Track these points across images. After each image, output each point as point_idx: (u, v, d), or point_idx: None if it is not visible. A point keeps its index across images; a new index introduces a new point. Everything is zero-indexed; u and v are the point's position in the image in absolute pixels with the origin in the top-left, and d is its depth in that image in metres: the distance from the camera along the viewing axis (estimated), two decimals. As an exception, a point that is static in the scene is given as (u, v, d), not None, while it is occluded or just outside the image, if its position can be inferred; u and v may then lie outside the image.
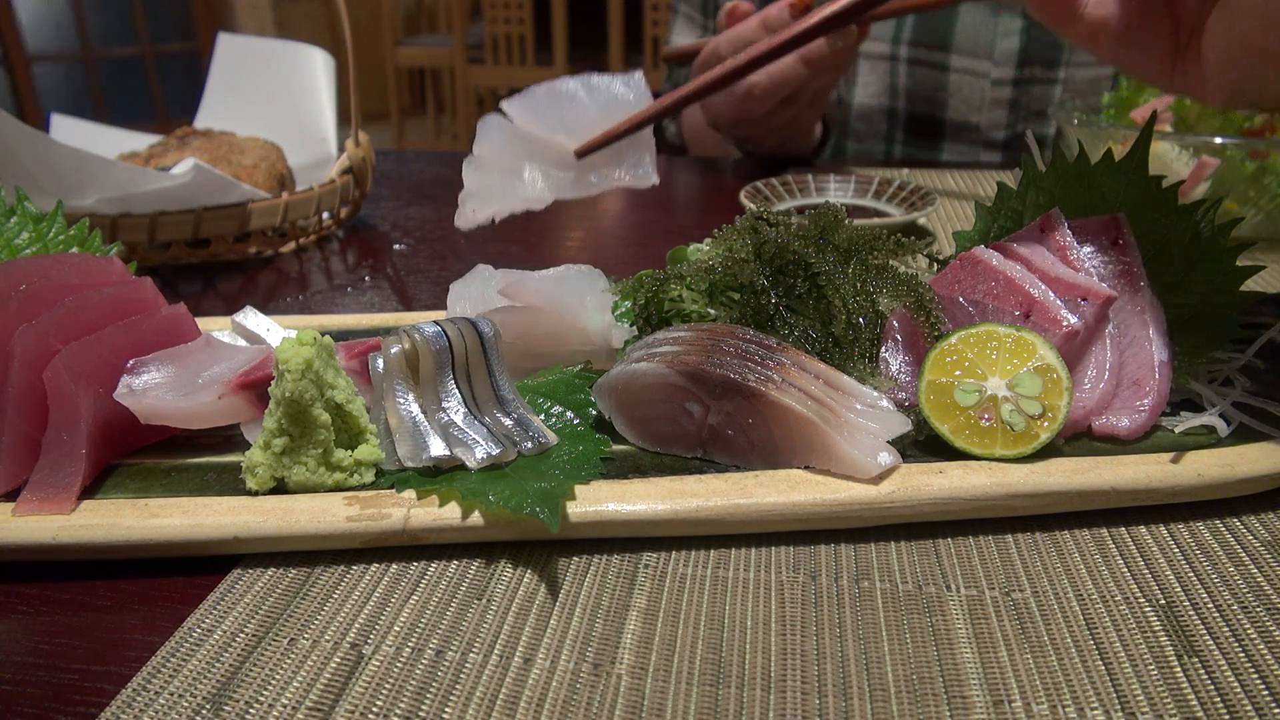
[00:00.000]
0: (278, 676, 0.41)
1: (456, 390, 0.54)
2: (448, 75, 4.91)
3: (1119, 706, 0.39)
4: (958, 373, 0.53)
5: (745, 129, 1.23)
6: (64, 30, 4.49)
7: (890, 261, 0.63)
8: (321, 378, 0.50)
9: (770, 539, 0.49)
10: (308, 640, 0.43)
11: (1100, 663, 0.41)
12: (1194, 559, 0.47)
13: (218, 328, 0.66)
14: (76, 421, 0.50)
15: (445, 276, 0.92)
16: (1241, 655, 0.41)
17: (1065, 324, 0.53)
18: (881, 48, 1.37)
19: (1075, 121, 0.98)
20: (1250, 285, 0.77)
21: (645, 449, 0.55)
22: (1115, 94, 1.04)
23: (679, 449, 0.54)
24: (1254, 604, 0.44)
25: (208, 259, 0.94)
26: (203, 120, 1.19)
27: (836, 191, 1.08)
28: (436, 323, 0.55)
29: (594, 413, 0.57)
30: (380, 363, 0.54)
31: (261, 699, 0.40)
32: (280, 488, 0.51)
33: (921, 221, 1.01)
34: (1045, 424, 0.50)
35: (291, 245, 1.00)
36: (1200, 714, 0.38)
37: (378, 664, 0.41)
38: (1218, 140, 0.86)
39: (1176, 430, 0.54)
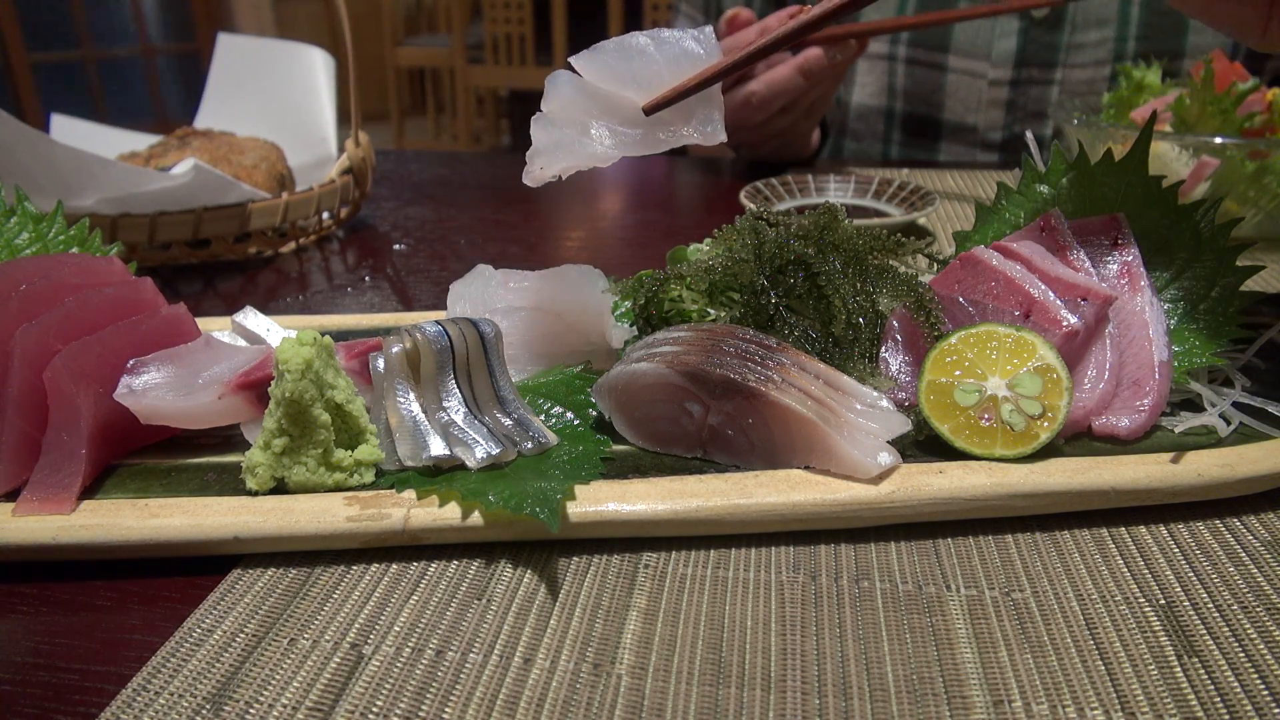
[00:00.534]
0: (278, 676, 0.41)
1: (457, 390, 0.54)
2: (448, 75, 4.90)
3: (1119, 706, 0.39)
4: (958, 373, 0.53)
5: (742, 135, 1.23)
6: (64, 30, 4.49)
7: (890, 261, 0.63)
8: (321, 378, 0.50)
9: (770, 539, 0.49)
10: (308, 640, 0.43)
11: (1100, 663, 0.41)
12: (1194, 559, 0.47)
13: (218, 328, 0.66)
14: (76, 421, 0.50)
15: (445, 276, 0.92)
16: (1241, 655, 0.41)
17: (1065, 324, 0.53)
18: (879, 47, 1.37)
19: (1075, 121, 0.98)
20: (1250, 285, 0.77)
21: (645, 449, 0.55)
22: (1115, 94, 1.04)
23: (679, 449, 0.54)
24: (1254, 604, 0.44)
25: (208, 259, 0.94)
26: (203, 120, 1.19)
27: (836, 191, 1.08)
28: (438, 322, 0.55)
29: (594, 413, 0.57)
30: (381, 362, 0.54)
31: (261, 699, 0.40)
32: (280, 488, 0.51)
33: (921, 221, 1.01)
34: (1045, 424, 0.50)
35: (291, 245, 1.00)
36: (1200, 714, 0.38)
37: (378, 664, 0.41)
38: (1218, 140, 0.86)
39: (1176, 430, 0.54)
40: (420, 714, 0.39)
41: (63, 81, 4.52)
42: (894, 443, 0.51)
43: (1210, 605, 0.44)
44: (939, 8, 1.29)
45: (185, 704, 0.39)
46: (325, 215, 1.02)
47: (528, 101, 4.78)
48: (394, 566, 0.48)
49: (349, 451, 0.51)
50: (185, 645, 0.43)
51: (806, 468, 0.51)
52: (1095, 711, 0.38)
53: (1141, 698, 0.39)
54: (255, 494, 0.50)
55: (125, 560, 0.48)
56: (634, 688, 0.40)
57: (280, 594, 0.46)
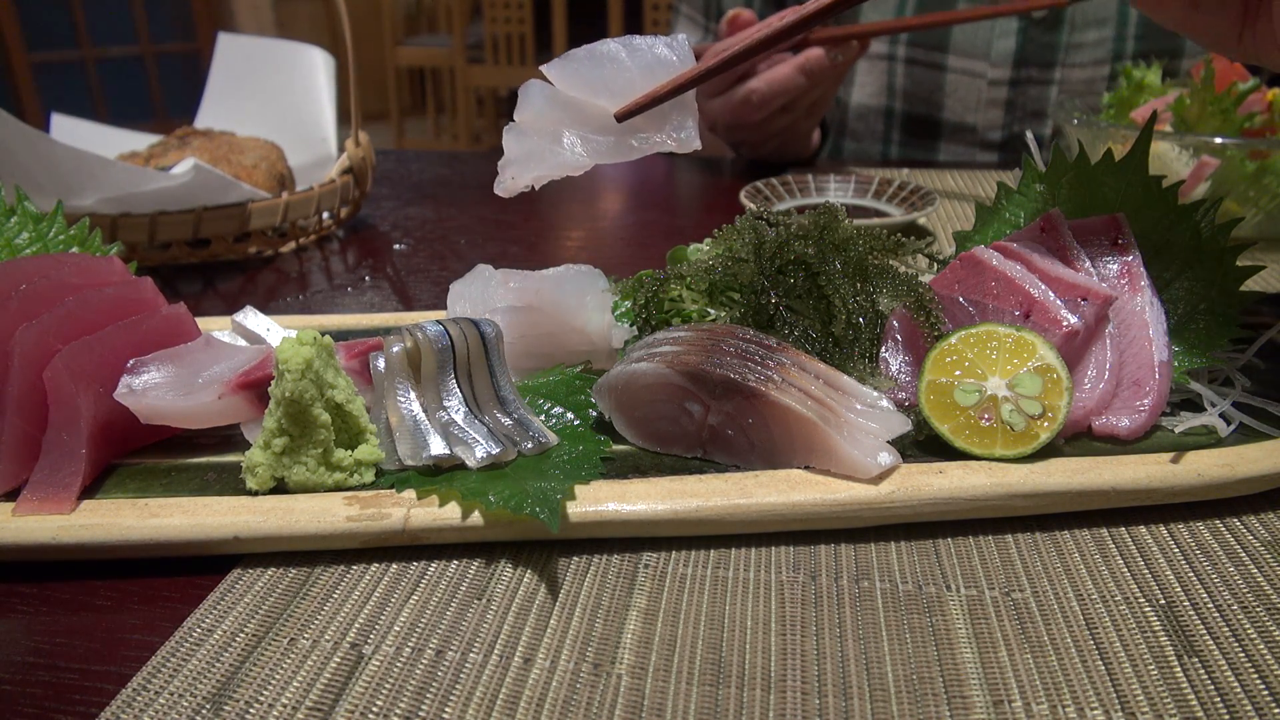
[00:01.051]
0: (278, 676, 0.41)
1: (458, 389, 0.54)
2: (448, 75, 4.90)
3: (1119, 706, 0.39)
4: (958, 373, 0.53)
5: (742, 134, 1.23)
6: (64, 30, 4.49)
7: (890, 261, 0.63)
8: (321, 378, 0.50)
9: (770, 539, 0.49)
10: (308, 640, 0.43)
11: (1100, 663, 0.41)
12: (1194, 559, 0.47)
13: (218, 328, 0.66)
14: (76, 421, 0.50)
15: (445, 276, 0.92)
16: (1241, 655, 0.41)
17: (1065, 324, 0.53)
18: (879, 48, 1.37)
19: (1075, 121, 0.98)
20: (1250, 285, 0.77)
21: (645, 449, 0.55)
22: (1115, 94, 1.04)
23: (679, 449, 0.54)
24: (1254, 604, 0.44)
25: (208, 259, 0.94)
26: (203, 120, 1.19)
27: (836, 191, 1.08)
28: (439, 322, 0.55)
29: (594, 413, 0.57)
30: (382, 361, 0.54)
31: (261, 699, 0.40)
32: (280, 488, 0.51)
33: (921, 221, 1.01)
34: (1045, 424, 0.50)
35: (291, 245, 1.00)
36: (1200, 714, 0.38)
37: (378, 664, 0.41)
38: (1218, 140, 0.86)
39: (1176, 430, 0.54)
40: (420, 714, 0.39)
41: (63, 81, 4.52)
42: (894, 443, 0.51)
43: (1210, 605, 0.44)
44: (939, 8, 1.29)
45: (185, 704, 0.39)
46: (325, 215, 1.02)
47: (528, 101, 4.77)
48: (394, 566, 0.48)
49: (349, 451, 0.51)
50: (185, 645, 0.43)
51: (806, 468, 0.51)
52: (1095, 711, 0.38)
53: (1141, 698, 0.39)
54: (255, 494, 0.50)
55: (125, 560, 0.48)
56: (634, 688, 0.40)
57: (280, 594, 0.46)
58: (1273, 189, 0.88)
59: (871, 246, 0.62)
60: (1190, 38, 0.53)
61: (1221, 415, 0.54)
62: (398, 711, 0.39)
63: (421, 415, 0.53)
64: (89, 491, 0.51)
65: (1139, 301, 0.56)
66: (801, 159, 1.32)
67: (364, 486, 0.51)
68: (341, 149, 1.04)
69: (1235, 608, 0.44)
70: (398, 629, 0.44)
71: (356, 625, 0.44)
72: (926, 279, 0.60)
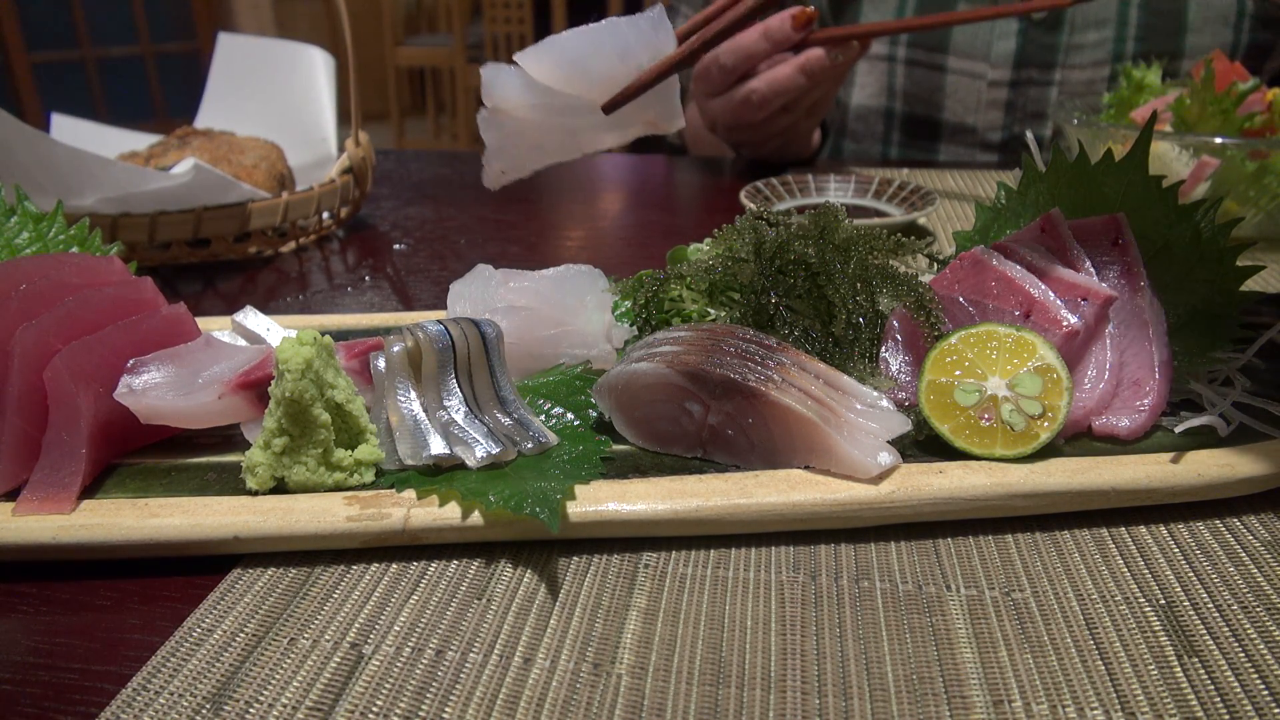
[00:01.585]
0: (278, 676, 0.41)
1: (458, 389, 0.54)
2: (448, 75, 4.90)
3: (1119, 706, 0.39)
4: (958, 373, 0.53)
5: (742, 134, 1.23)
6: (64, 30, 4.49)
7: (890, 261, 0.63)
8: (321, 377, 0.50)
9: (770, 539, 0.49)
10: (308, 640, 0.43)
11: (1100, 663, 0.41)
12: (1194, 559, 0.47)
13: (218, 328, 0.66)
14: (76, 421, 0.50)
15: (445, 276, 0.92)
16: (1241, 655, 0.41)
17: (1065, 324, 0.53)
18: (879, 48, 1.37)
19: (1075, 121, 0.98)
20: (1250, 285, 0.77)
21: (645, 449, 0.55)
22: (1115, 94, 1.04)
23: (679, 449, 0.54)
24: (1254, 604, 0.44)
25: (208, 259, 0.94)
26: (203, 120, 1.19)
27: (836, 191, 1.08)
28: (440, 322, 0.55)
29: (594, 413, 0.57)
30: (383, 360, 0.54)
31: (261, 699, 0.40)
32: (280, 487, 0.51)
33: (921, 221, 1.01)
34: (1045, 424, 0.50)
35: (291, 245, 1.00)
36: (1200, 714, 0.38)
37: (378, 664, 0.41)
38: (1218, 140, 0.86)
39: (1176, 430, 0.54)
40: (420, 714, 0.39)
41: (63, 81, 4.52)
42: (894, 443, 0.51)
43: (1210, 605, 0.44)
44: (939, 9, 1.29)
45: (185, 704, 0.39)
46: (325, 215, 1.02)
47: (528, 101, 4.77)
48: (394, 566, 0.48)
49: (349, 451, 0.51)
50: (185, 645, 0.43)
51: (806, 468, 0.51)
52: (1095, 711, 0.38)
53: (1141, 698, 0.39)
54: (255, 494, 0.50)
55: (125, 560, 0.48)
56: (634, 688, 0.40)
57: (280, 594, 0.46)
58: (1273, 189, 0.88)
59: (871, 246, 0.62)
60: None
61: (1221, 415, 0.54)
62: (398, 711, 0.39)
63: (422, 415, 0.53)
64: (89, 491, 0.51)
65: (1139, 301, 0.56)
66: (802, 159, 1.32)
67: (364, 486, 0.51)
68: (341, 149, 1.04)
69: (1235, 608, 0.44)
70: (398, 629, 0.44)
71: (356, 625, 0.44)
72: (926, 279, 0.60)
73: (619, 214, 1.18)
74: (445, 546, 0.49)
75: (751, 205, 0.99)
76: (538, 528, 0.48)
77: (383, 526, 0.48)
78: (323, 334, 0.50)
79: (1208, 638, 0.42)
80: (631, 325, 0.62)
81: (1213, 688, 0.39)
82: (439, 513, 0.48)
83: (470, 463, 0.51)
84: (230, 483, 0.52)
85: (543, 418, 0.57)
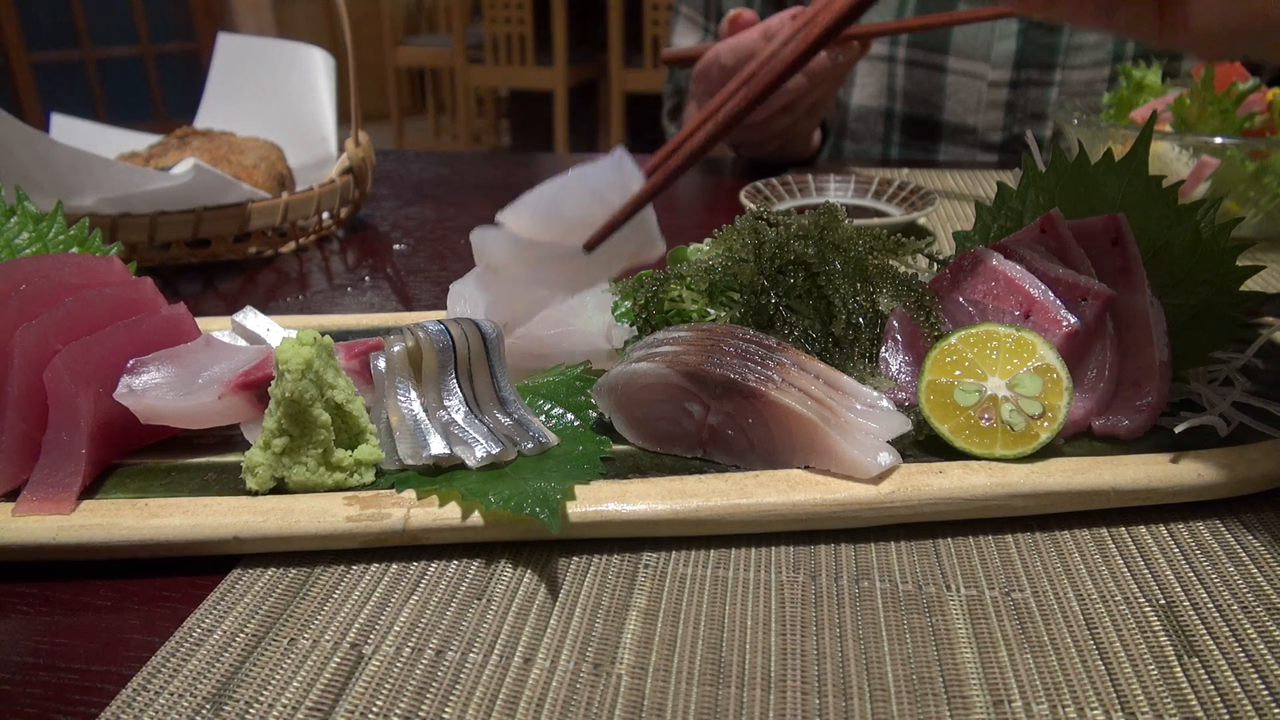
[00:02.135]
0: (278, 676, 0.41)
1: (458, 389, 0.54)
2: (448, 75, 4.91)
3: (1119, 706, 0.39)
4: (958, 373, 0.53)
5: (742, 135, 1.23)
6: (64, 30, 4.49)
7: (890, 261, 0.63)
8: (321, 378, 0.50)
9: (770, 539, 0.49)
10: (308, 640, 0.43)
11: (1100, 663, 0.41)
12: (1194, 559, 0.47)
13: (218, 328, 0.66)
14: (76, 421, 0.50)
15: (445, 276, 0.92)
16: (1241, 655, 0.41)
17: (1065, 324, 0.53)
18: (879, 48, 1.37)
19: (1075, 121, 0.98)
20: (1250, 285, 0.77)
21: (645, 449, 0.55)
22: (1115, 94, 1.04)
23: (679, 449, 0.54)
24: (1254, 604, 0.44)
25: (208, 259, 0.94)
26: (203, 120, 1.19)
27: (836, 191, 1.08)
28: (440, 322, 0.55)
29: (594, 413, 0.57)
30: (383, 360, 0.54)
31: (261, 699, 0.40)
32: (280, 488, 0.51)
33: (921, 221, 1.01)
34: (1045, 424, 0.50)
35: (291, 245, 1.00)
36: (1200, 714, 0.38)
37: (378, 664, 0.41)
38: (1218, 140, 0.86)
39: (1176, 430, 0.54)
40: (420, 714, 0.39)
41: (63, 81, 4.52)
42: (894, 443, 0.51)
43: (1210, 605, 0.44)
44: (939, 10, 1.29)
45: (185, 704, 0.39)
46: (325, 215, 1.02)
47: (528, 101, 4.78)
48: (394, 566, 0.48)
49: (349, 451, 0.51)
50: (185, 645, 0.43)
51: (806, 468, 0.51)
52: (1095, 711, 0.38)
53: (1141, 698, 0.39)
54: (255, 494, 0.50)
55: (125, 560, 0.48)
56: (634, 688, 0.40)
57: (280, 594, 0.46)
58: (1273, 189, 0.88)
59: (871, 246, 0.62)
60: (1114, 33, 0.53)
61: (1221, 415, 0.54)
62: (398, 712, 0.39)
63: (422, 414, 0.53)
64: (89, 491, 0.51)
65: (1139, 301, 0.56)
66: (802, 159, 1.32)
67: (364, 486, 0.51)
68: (341, 149, 1.04)
69: (1235, 608, 0.44)
70: (398, 629, 0.44)
71: (356, 625, 0.44)
72: (926, 279, 0.60)
73: (619, 214, 1.18)
74: (445, 546, 0.49)
75: (751, 205, 0.99)
76: (538, 528, 0.48)
77: (383, 526, 0.48)
78: (323, 334, 0.50)
79: (1208, 638, 0.42)
80: (631, 325, 0.62)
81: (1213, 688, 0.39)
82: (439, 513, 0.48)
83: (470, 463, 0.51)
84: (230, 483, 0.52)
85: (543, 418, 0.57)
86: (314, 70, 1.17)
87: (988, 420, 0.51)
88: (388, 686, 0.40)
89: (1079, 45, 1.28)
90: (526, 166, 1.50)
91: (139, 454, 0.55)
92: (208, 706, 0.39)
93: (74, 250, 0.68)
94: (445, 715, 0.39)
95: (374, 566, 0.48)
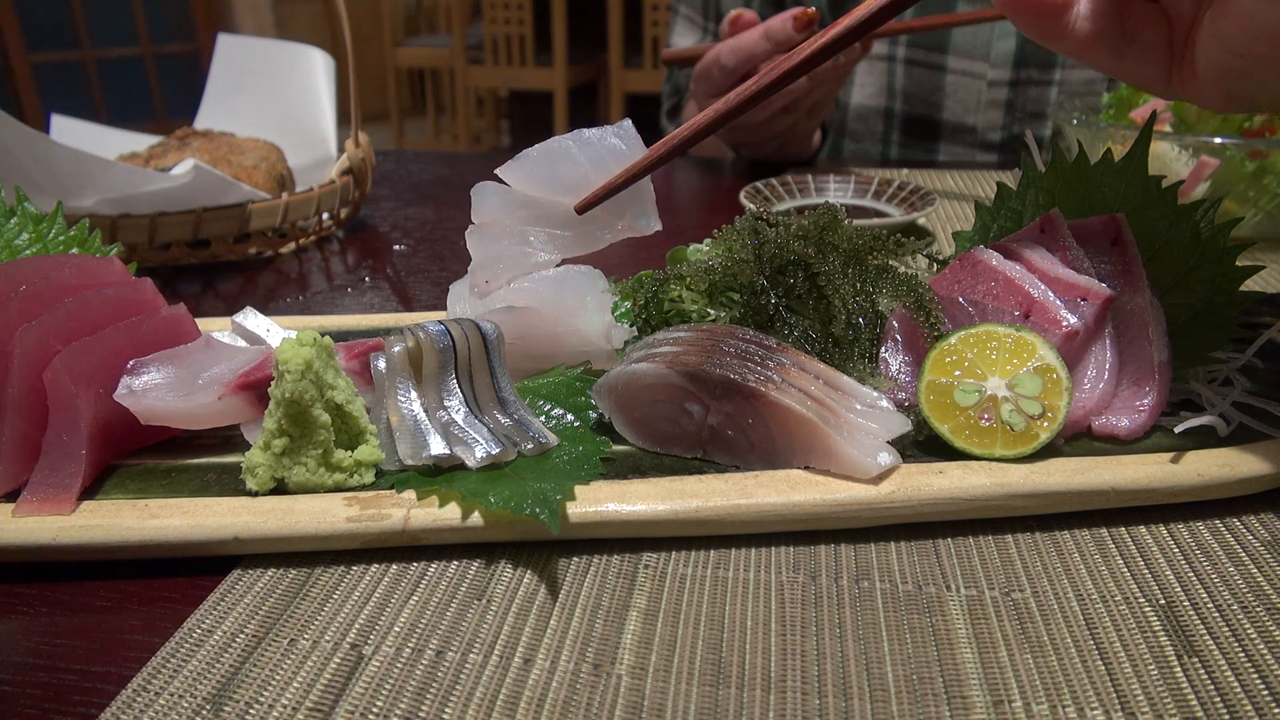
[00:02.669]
0: (278, 677, 0.41)
1: (458, 390, 0.54)
2: (448, 75, 4.90)
3: (1119, 706, 0.39)
4: (958, 373, 0.53)
5: (743, 135, 1.23)
6: (64, 30, 4.49)
7: (890, 261, 0.63)
8: (321, 378, 0.50)
9: (770, 539, 0.49)
10: (308, 641, 0.43)
11: (1100, 663, 0.41)
12: (1194, 559, 0.47)
13: (218, 328, 0.66)
14: (76, 422, 0.50)
15: (445, 277, 0.92)
16: (1241, 655, 0.41)
17: (1065, 324, 0.53)
18: (879, 48, 1.37)
19: (1074, 121, 0.98)
20: (1250, 285, 0.77)
21: (645, 449, 0.55)
22: (1115, 94, 1.04)
23: (679, 449, 0.54)
24: (1254, 604, 0.44)
25: (208, 259, 0.94)
26: (203, 121, 1.19)
27: (836, 192, 1.08)
28: (441, 322, 0.55)
29: (594, 414, 0.57)
30: (383, 361, 0.54)
31: (261, 699, 0.40)
32: (280, 488, 0.51)
33: (921, 221, 1.01)
34: (1045, 424, 0.50)
35: (291, 246, 1.00)
36: (1200, 714, 0.38)
37: (378, 664, 0.41)
38: (1217, 140, 0.86)
39: (1176, 430, 0.54)
40: (420, 714, 0.39)
41: (63, 81, 4.52)
42: (894, 443, 0.51)
43: (1210, 605, 0.44)
44: (939, 10, 1.29)
45: (185, 704, 0.39)
46: (325, 216, 1.02)
47: (528, 102, 4.78)
48: (394, 567, 0.48)
49: (349, 452, 0.51)
50: (185, 646, 0.43)
51: (806, 468, 0.51)
52: (1095, 711, 0.38)
53: (1141, 698, 0.39)
54: (255, 494, 0.50)
55: (125, 560, 0.48)
56: (634, 688, 0.40)
57: (280, 594, 0.46)
58: (1272, 189, 0.88)
59: (871, 246, 0.62)
60: (1123, 80, 0.55)
61: (1221, 415, 0.54)
62: (398, 712, 0.39)
63: (422, 415, 0.53)
64: (89, 492, 0.51)
65: (1139, 301, 0.56)
66: (802, 159, 1.32)
67: (364, 487, 0.51)
68: (341, 150, 1.04)
69: (1235, 608, 0.44)
70: (398, 629, 0.44)
71: (356, 626, 0.44)
72: (926, 279, 0.60)
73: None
74: (445, 547, 0.49)
75: (751, 205, 0.99)
76: (538, 528, 0.48)
77: (383, 527, 0.48)
78: (322, 335, 0.50)
79: (1208, 638, 0.42)
80: (631, 325, 0.62)
81: (1213, 688, 0.39)
82: (439, 513, 0.48)
83: (470, 463, 0.51)
84: (230, 484, 0.52)
85: (542, 418, 0.57)
86: (314, 71, 1.17)
87: (987, 420, 0.51)
88: (388, 687, 0.40)
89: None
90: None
91: (139, 454, 0.55)
92: (208, 707, 0.39)
93: (74, 251, 0.68)
94: (445, 716, 0.39)
95: (374, 567, 0.48)
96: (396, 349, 0.53)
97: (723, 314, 0.61)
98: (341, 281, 0.92)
